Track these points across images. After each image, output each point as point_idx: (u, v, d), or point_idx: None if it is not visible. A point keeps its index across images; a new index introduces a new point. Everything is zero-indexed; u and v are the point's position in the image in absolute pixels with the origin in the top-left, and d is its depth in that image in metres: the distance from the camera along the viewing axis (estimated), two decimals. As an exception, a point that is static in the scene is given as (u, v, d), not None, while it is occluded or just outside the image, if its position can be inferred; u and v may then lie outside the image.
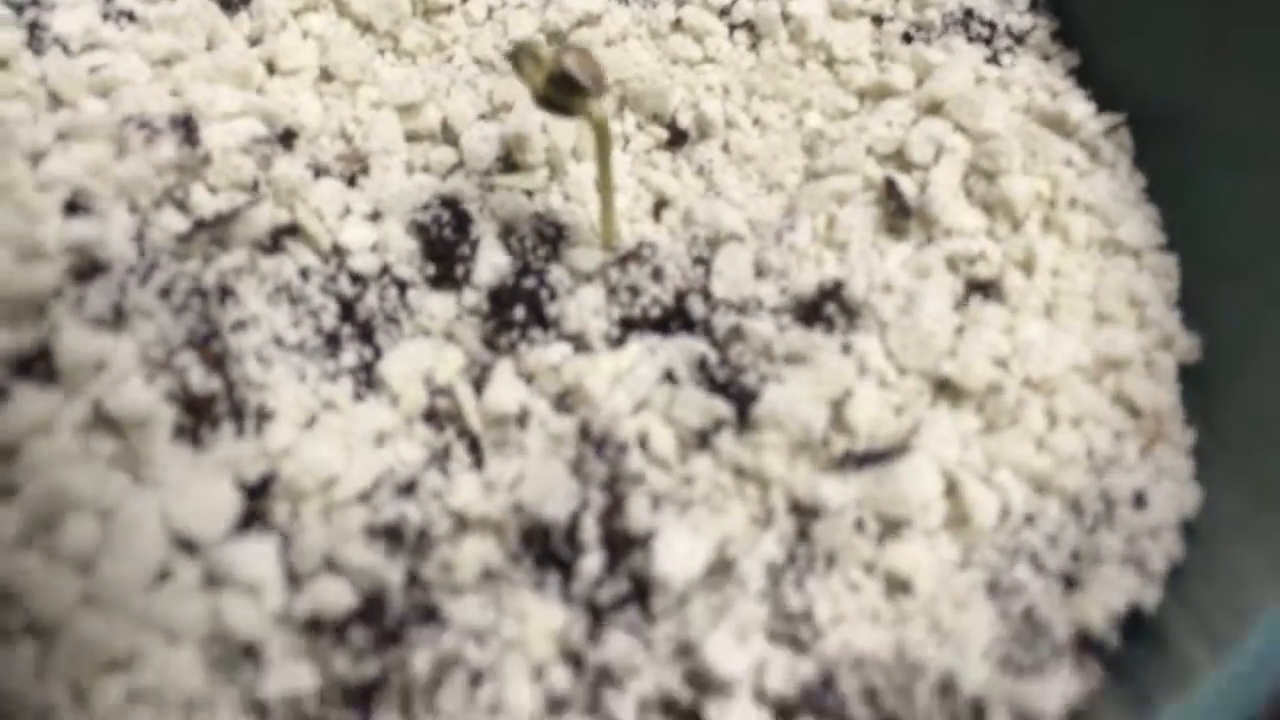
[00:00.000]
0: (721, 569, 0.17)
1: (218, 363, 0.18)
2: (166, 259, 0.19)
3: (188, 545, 0.16)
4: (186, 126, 0.20)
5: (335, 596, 0.16)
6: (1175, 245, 0.21)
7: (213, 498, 0.16)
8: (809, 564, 0.17)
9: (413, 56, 0.23)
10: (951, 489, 0.18)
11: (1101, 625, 0.17)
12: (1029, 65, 0.23)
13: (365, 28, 0.23)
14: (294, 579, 0.16)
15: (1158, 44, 0.22)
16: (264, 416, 0.18)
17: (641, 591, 0.17)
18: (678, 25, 0.24)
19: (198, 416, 0.17)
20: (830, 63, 0.24)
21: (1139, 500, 0.18)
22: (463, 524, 0.17)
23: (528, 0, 0.24)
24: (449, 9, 0.24)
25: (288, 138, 0.21)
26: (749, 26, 0.24)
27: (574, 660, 0.16)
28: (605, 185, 0.20)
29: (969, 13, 0.24)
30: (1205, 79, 0.21)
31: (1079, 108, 0.22)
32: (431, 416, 0.19)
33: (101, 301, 0.18)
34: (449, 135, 0.22)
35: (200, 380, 0.17)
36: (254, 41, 0.22)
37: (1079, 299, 0.20)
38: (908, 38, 0.24)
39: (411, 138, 0.22)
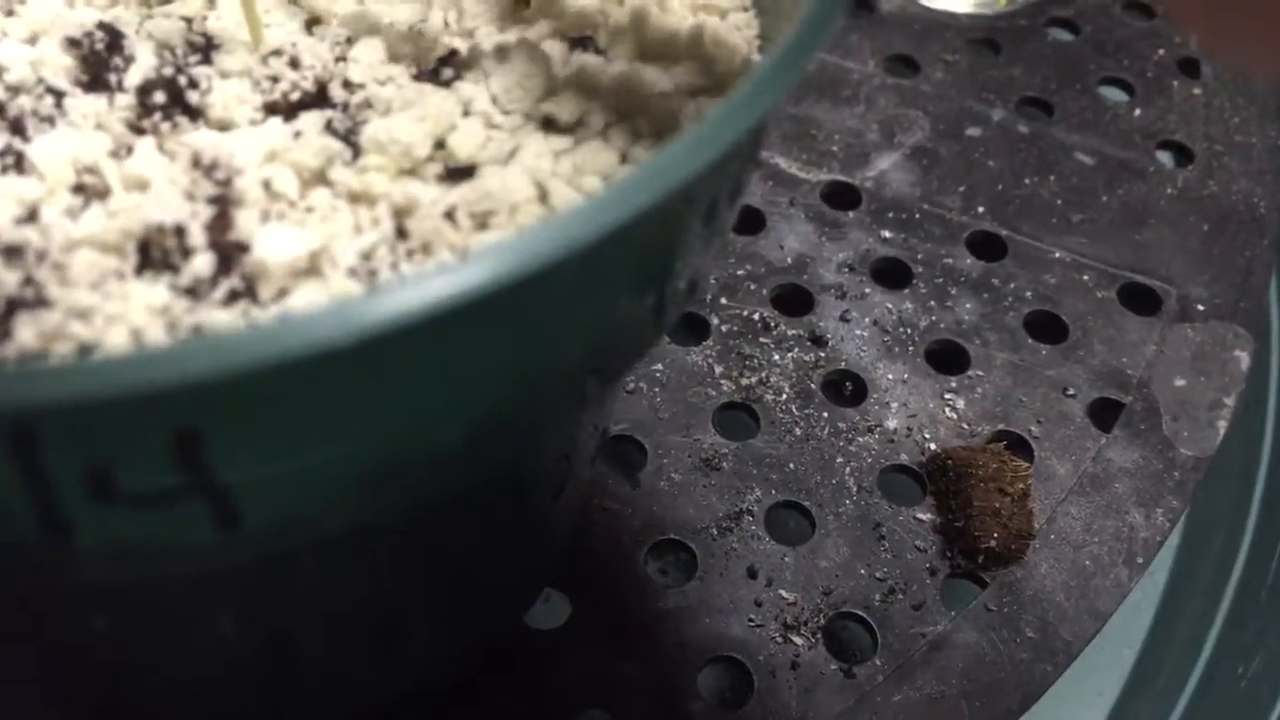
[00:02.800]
0: (322, 259, 0.19)
1: None
2: None
3: None
4: None
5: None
6: (759, 7, 0.24)
7: None
8: (406, 253, 0.19)
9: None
10: (543, 194, 0.20)
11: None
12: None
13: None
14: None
15: None
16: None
17: (251, 286, 0.19)
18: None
19: None
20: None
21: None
22: (81, 242, 0.19)
23: None
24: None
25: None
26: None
27: (172, 325, 0.18)
28: (242, -9, 0.23)
29: None
30: None
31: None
32: (79, 189, 0.21)
33: None
34: (110, -26, 0.24)
35: None
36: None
37: (670, 44, 0.23)
38: None
39: (73, -23, 0.24)
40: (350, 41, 0.23)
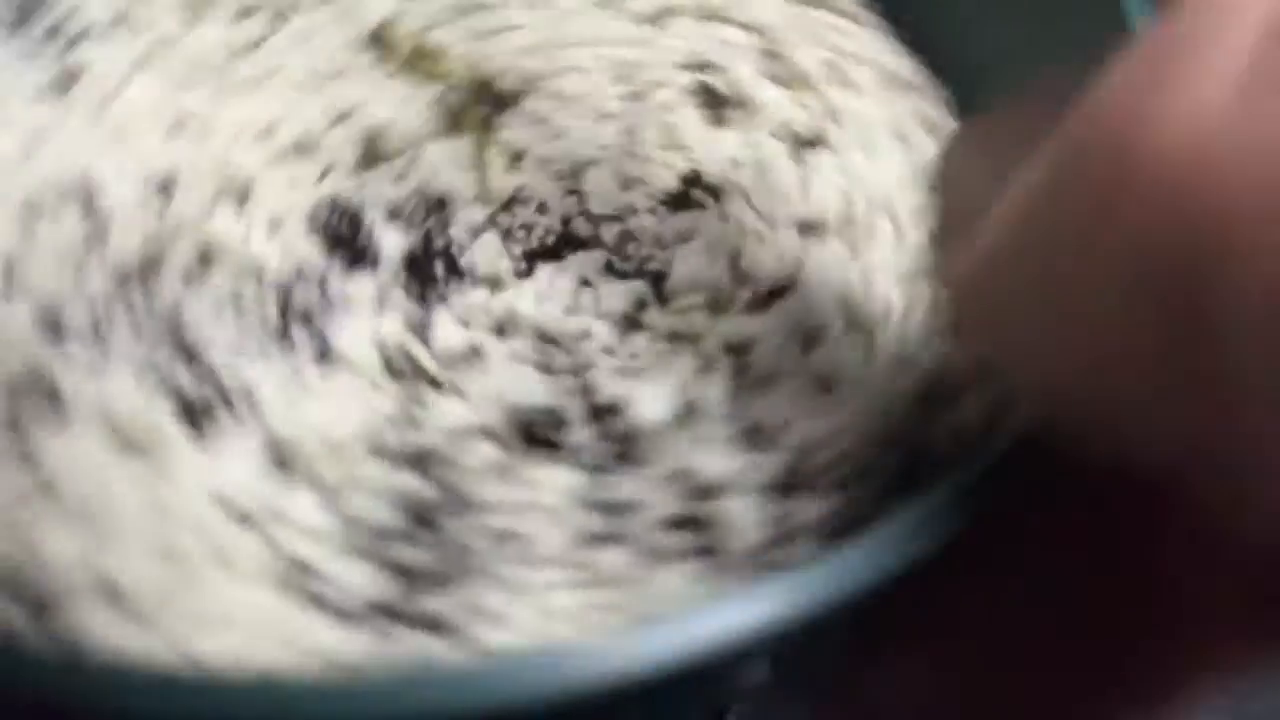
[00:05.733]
0: (687, 409, 0.20)
1: (200, 374, 0.19)
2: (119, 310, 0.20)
3: (240, 516, 0.18)
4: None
5: (382, 515, 0.18)
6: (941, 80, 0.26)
7: (242, 473, 0.18)
8: (755, 385, 0.20)
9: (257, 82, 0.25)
10: (843, 303, 0.22)
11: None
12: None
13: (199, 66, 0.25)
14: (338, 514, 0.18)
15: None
16: (253, 405, 0.19)
17: (629, 446, 0.19)
18: (475, 3, 0.27)
19: (195, 418, 0.19)
20: (617, 2, 0.27)
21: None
22: (462, 435, 0.19)
23: None
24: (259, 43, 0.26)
25: (167, 185, 0.23)
26: (543, -9, 0.27)
27: (587, 505, 0.19)
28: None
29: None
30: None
31: (833, -15, 0.26)
32: (395, 372, 0.21)
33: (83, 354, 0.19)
34: (309, 146, 0.24)
35: (191, 386, 0.19)
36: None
37: (883, 129, 0.24)
38: (673, -36, 0.28)
39: (279, 158, 0.24)
40: (574, 174, 0.24)
